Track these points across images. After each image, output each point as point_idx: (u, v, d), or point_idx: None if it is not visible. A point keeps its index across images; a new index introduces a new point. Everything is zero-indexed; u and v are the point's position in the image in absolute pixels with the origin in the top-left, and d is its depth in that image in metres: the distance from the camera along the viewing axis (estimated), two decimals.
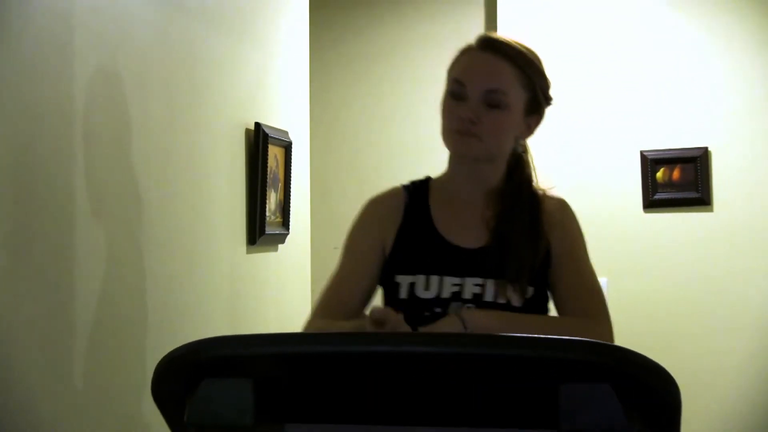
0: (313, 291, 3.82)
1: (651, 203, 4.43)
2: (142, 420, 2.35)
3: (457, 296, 2.16)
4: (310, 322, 2.21)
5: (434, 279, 2.18)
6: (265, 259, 3.30)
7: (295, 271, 3.58)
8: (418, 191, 2.31)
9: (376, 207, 2.33)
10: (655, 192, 4.42)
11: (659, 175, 4.42)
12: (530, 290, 2.17)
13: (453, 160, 2.27)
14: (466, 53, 2.23)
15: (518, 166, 2.28)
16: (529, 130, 2.26)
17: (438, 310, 2.15)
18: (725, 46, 4.41)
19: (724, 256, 4.37)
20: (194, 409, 1.66)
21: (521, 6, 4.52)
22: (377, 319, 1.95)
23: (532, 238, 2.20)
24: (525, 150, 2.29)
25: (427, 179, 2.34)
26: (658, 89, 4.45)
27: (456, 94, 2.18)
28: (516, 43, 2.24)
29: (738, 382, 4.36)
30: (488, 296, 2.16)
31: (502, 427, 1.65)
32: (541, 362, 1.63)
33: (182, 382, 1.68)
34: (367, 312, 2.11)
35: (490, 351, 1.69)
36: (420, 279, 2.19)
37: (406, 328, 2.00)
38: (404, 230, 2.25)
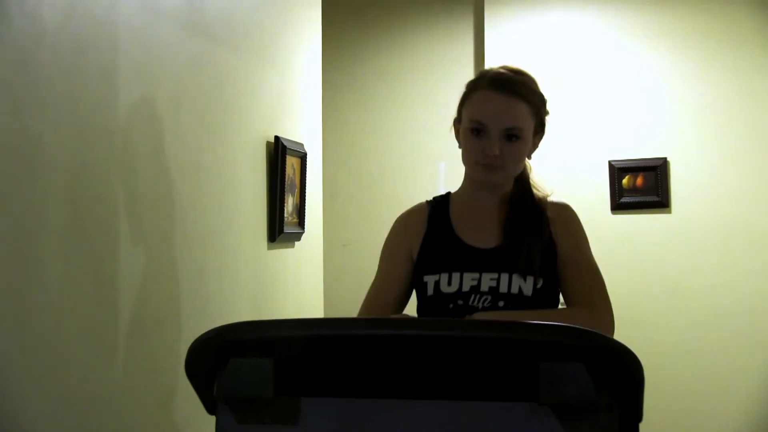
0: (324, 281, 3.82)
1: (618, 206, 4.43)
2: (176, 392, 2.35)
3: (475, 289, 2.17)
4: None
5: (455, 275, 2.19)
6: (283, 254, 3.30)
7: (310, 264, 3.58)
8: (440, 204, 2.32)
9: (403, 222, 2.34)
10: (621, 196, 4.43)
11: (625, 181, 4.42)
12: (540, 281, 2.17)
13: (473, 181, 2.26)
14: (479, 92, 2.20)
15: (522, 176, 2.29)
16: (535, 146, 2.27)
17: (460, 302, 2.16)
18: (682, 72, 4.43)
19: (681, 251, 4.39)
20: (222, 384, 1.67)
21: (504, 40, 4.52)
22: None
23: (537, 236, 2.21)
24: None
25: (448, 194, 2.34)
26: (623, 108, 4.47)
27: (477, 132, 2.17)
28: (520, 77, 2.23)
29: (694, 357, 4.38)
30: (503, 288, 2.17)
31: (490, 401, 1.65)
32: (521, 344, 1.63)
33: (212, 361, 1.68)
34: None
35: (478, 334, 1.68)
36: (444, 276, 2.20)
37: None
38: (428, 238, 2.27)
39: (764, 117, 4.32)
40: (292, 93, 3.44)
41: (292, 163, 3.30)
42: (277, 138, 3.18)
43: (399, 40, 4.62)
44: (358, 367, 1.71)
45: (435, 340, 1.67)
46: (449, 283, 2.19)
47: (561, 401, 1.59)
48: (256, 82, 3.05)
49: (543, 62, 4.47)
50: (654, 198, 4.38)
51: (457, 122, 2.25)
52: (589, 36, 4.48)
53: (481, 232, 2.24)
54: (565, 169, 4.41)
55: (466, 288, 2.17)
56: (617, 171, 4.41)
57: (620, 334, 1.67)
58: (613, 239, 4.39)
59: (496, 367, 1.66)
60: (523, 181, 2.28)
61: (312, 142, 3.63)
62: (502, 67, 2.25)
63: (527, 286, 2.17)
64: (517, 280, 2.17)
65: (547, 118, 2.27)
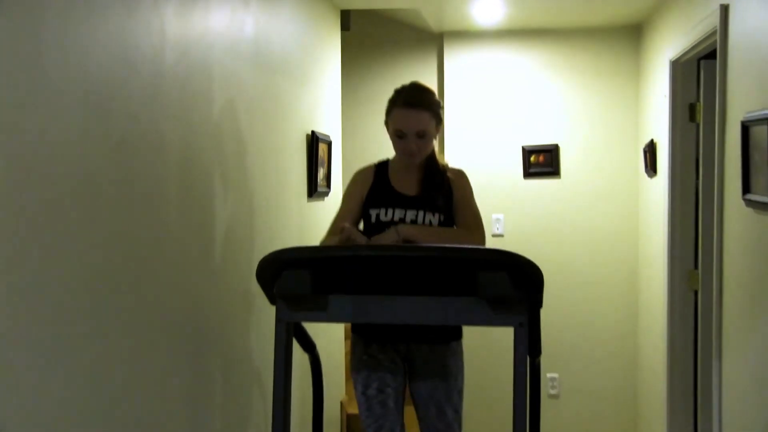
0: None
1: (528, 174, 4.43)
2: (251, 290, 2.36)
3: (402, 220, 2.22)
4: (325, 236, 2.30)
5: (390, 210, 2.24)
6: (317, 205, 3.30)
7: (333, 212, 3.57)
8: (382, 166, 2.36)
9: (359, 174, 2.38)
10: (529, 168, 4.42)
11: (532, 159, 4.41)
12: (442, 217, 2.22)
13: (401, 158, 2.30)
14: (398, 108, 2.21)
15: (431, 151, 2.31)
16: (437, 131, 2.28)
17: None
18: (569, 89, 4.40)
19: (567, 202, 4.42)
20: (279, 286, 1.68)
21: (457, 69, 4.48)
22: (342, 231, 2.02)
23: (441, 188, 2.25)
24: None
25: (387, 159, 2.38)
26: (532, 112, 4.43)
27: (399, 136, 2.21)
28: (423, 93, 2.23)
29: (575, 266, 4.41)
30: (419, 220, 2.22)
31: (446, 296, 1.66)
32: (467, 260, 1.64)
33: (272, 271, 1.69)
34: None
35: (443, 255, 1.69)
36: (382, 210, 2.25)
37: (359, 236, 2.06)
38: (374, 186, 2.31)
39: (618, 118, 4.33)
40: (322, 103, 3.41)
41: (322, 147, 3.29)
42: (312, 132, 3.16)
43: (388, 68, 4.58)
44: (363, 275, 1.72)
45: (414, 259, 1.68)
46: (386, 215, 2.23)
47: (492, 296, 1.60)
48: (299, 97, 3.03)
49: (482, 82, 4.44)
50: (550, 169, 4.38)
51: (387, 123, 2.28)
52: (512, 66, 4.43)
53: (406, 185, 2.28)
54: (494, 152, 4.40)
55: (396, 219, 2.22)
56: (527, 152, 4.40)
57: (530, 252, 1.68)
58: (525, 196, 4.40)
59: (451, 275, 1.67)
60: (431, 153, 2.30)
61: (334, 135, 3.61)
62: (411, 86, 2.26)
63: (435, 220, 2.21)
64: (428, 216, 2.21)
65: (441, 111, 2.27)
